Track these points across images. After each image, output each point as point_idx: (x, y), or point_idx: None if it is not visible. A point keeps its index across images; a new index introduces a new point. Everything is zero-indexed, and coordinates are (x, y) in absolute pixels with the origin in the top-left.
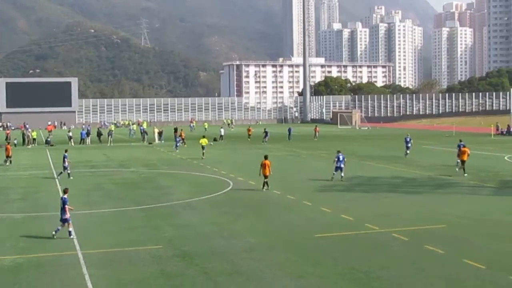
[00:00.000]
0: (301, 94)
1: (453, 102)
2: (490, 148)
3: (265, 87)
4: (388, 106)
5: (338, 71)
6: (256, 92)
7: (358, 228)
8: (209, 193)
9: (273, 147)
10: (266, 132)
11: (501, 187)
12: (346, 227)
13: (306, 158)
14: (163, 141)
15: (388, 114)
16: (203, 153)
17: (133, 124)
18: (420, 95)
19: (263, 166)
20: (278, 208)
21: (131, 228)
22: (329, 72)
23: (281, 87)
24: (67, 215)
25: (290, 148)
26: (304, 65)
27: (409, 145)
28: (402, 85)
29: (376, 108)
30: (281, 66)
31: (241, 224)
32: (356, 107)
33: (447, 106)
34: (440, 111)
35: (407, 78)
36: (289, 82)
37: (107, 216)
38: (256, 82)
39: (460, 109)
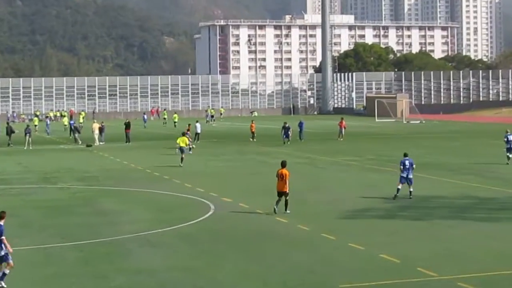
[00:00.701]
0: (318, 70)
1: None
2: None
3: (263, 59)
4: (452, 88)
5: (375, 36)
6: (250, 68)
7: (406, 274)
8: (179, 222)
9: (277, 150)
10: (287, 128)
11: None
12: (388, 272)
13: (327, 168)
14: (103, 142)
15: (452, 101)
16: (181, 159)
17: (63, 116)
18: (500, 71)
19: (279, 177)
20: (284, 245)
21: (60, 276)
22: (361, 37)
23: (289, 59)
24: (4, 251)
25: (302, 152)
26: (323, 26)
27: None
28: (472, 57)
29: (433, 92)
30: (288, 28)
31: (228, 269)
32: (403, 90)
33: None
34: None
35: (479, 46)
36: (300, 52)
37: (24, 256)
38: (250, 52)
39: None
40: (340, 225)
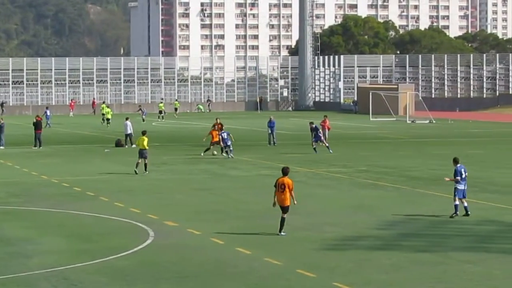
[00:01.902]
0: (295, 52)
1: None
2: None
3: (221, 37)
4: (472, 77)
5: (371, 6)
6: (203, 48)
7: None
8: (107, 253)
9: (238, 159)
10: (315, 129)
11: None
12: None
13: (305, 183)
14: (2, 146)
15: (472, 94)
16: (145, 165)
17: None
18: None
19: (279, 187)
20: (246, 285)
21: None
22: (353, 7)
23: (255, 37)
24: None
25: (273, 161)
26: None
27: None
28: (500, 36)
29: (446, 82)
30: None
31: None
32: (407, 80)
33: None
34: None
35: (509, 21)
36: (271, 27)
37: None
38: (203, 27)
39: None
40: (322, 258)
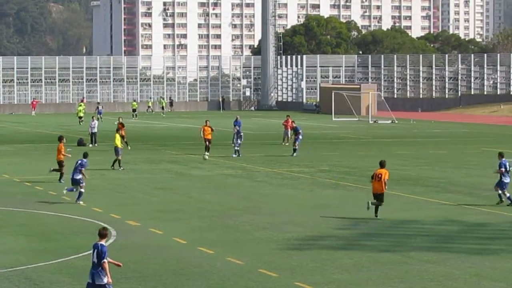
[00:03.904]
0: (257, 52)
1: None
2: None
3: (184, 36)
4: (434, 77)
5: (333, 7)
6: (166, 47)
7: None
8: (69, 253)
9: (200, 158)
10: (296, 130)
11: None
12: None
13: (267, 182)
14: None
15: (434, 94)
16: (119, 164)
17: None
18: (498, 55)
19: (376, 177)
20: (208, 285)
21: None
22: (315, 7)
23: (218, 37)
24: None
25: (235, 161)
26: None
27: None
28: (462, 36)
29: (409, 82)
30: None
31: None
32: (370, 80)
33: None
34: None
35: (471, 22)
36: (234, 27)
37: None
38: (166, 26)
39: None
40: (284, 258)
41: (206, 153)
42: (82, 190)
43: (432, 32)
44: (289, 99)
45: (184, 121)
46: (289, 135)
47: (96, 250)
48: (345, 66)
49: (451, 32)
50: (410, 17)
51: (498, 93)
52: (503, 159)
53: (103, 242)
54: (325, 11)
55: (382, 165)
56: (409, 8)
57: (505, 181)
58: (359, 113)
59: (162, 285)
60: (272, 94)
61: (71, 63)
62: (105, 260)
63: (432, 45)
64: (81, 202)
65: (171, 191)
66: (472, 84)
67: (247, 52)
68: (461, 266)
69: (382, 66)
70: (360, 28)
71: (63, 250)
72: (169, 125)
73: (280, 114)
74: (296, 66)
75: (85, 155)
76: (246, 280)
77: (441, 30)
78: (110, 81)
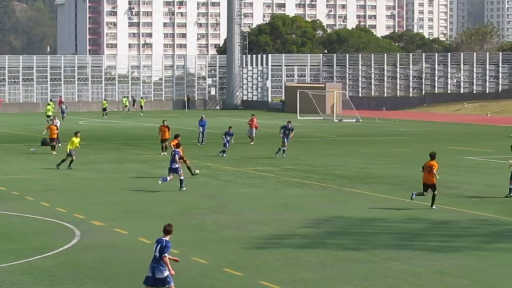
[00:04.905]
0: (223, 51)
1: None
2: None
3: (149, 35)
4: (398, 76)
5: (299, 6)
6: (131, 47)
7: None
8: (32, 253)
9: (167, 157)
10: (286, 129)
11: None
12: None
13: (232, 182)
14: None
15: (399, 93)
16: (69, 163)
17: None
18: (461, 55)
19: (426, 169)
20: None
21: None
22: (281, 7)
23: (183, 36)
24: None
25: (200, 160)
26: None
27: None
28: (426, 36)
29: (373, 81)
30: None
31: None
32: (335, 79)
33: None
34: (501, 87)
35: (435, 21)
36: (199, 26)
37: None
38: (131, 25)
39: None
40: (249, 257)
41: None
42: (182, 177)
43: (396, 31)
44: (255, 98)
45: (150, 121)
46: (254, 134)
47: (160, 245)
48: (310, 65)
49: (415, 31)
50: (375, 17)
51: (462, 91)
52: None
53: (167, 238)
54: (291, 10)
55: (432, 157)
56: (374, 7)
57: None
58: (324, 112)
59: (126, 285)
60: (237, 93)
61: (35, 62)
62: (166, 254)
63: (396, 44)
64: (184, 188)
65: (136, 190)
66: (436, 83)
67: (212, 51)
68: (425, 263)
69: (347, 65)
70: (325, 27)
71: (26, 250)
72: (134, 125)
73: (246, 113)
74: (262, 65)
75: (178, 145)
76: (211, 280)
77: (406, 30)
78: (74, 80)
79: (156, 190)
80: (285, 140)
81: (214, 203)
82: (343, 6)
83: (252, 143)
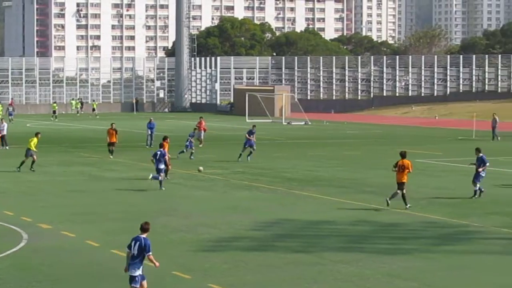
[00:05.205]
0: (171, 53)
1: (473, 71)
2: None
3: (97, 37)
4: (347, 79)
5: (248, 8)
6: (79, 49)
7: None
8: None
9: (115, 160)
10: (251, 133)
11: None
12: None
13: (181, 184)
14: None
15: (347, 95)
16: (31, 165)
17: None
18: (410, 58)
19: (399, 168)
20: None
21: None
22: (229, 9)
23: (131, 38)
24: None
25: (148, 163)
26: None
27: (483, 173)
28: (374, 38)
29: (322, 84)
30: None
31: None
32: (283, 81)
33: (461, 80)
34: (449, 90)
35: (383, 24)
36: (148, 28)
37: None
38: (79, 27)
39: (488, 86)
40: (198, 260)
41: (200, 167)
42: (161, 178)
43: (345, 34)
44: (203, 101)
45: (99, 123)
46: (202, 137)
47: (138, 243)
48: (259, 68)
49: (364, 34)
50: (323, 19)
51: (410, 94)
52: (481, 154)
53: (145, 235)
54: (239, 13)
55: (403, 156)
56: (322, 10)
57: (482, 175)
58: (273, 115)
59: (75, 287)
60: (186, 96)
61: None
62: (150, 253)
63: (345, 47)
64: (163, 188)
65: (84, 193)
66: (385, 85)
67: (161, 53)
68: (373, 266)
69: (296, 68)
70: (274, 30)
71: None
72: (82, 127)
73: (194, 116)
74: (210, 67)
75: (161, 145)
76: (159, 282)
77: (354, 32)
78: (22, 82)
79: (104, 192)
80: (249, 143)
81: (164, 206)
82: (292, 9)
83: (201, 145)
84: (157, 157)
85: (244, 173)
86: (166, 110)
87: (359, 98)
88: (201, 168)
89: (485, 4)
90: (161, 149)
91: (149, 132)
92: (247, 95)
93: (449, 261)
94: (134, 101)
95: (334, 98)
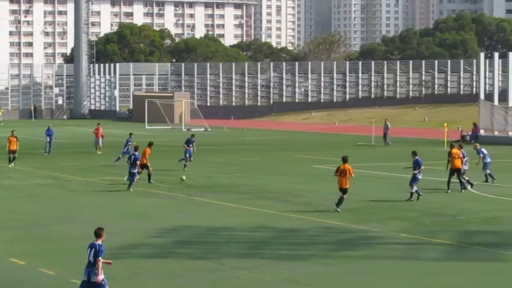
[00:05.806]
0: (70, 60)
1: (372, 77)
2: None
3: None
4: (246, 85)
5: (147, 14)
6: None
7: None
8: None
9: (13, 168)
10: (190, 142)
11: (459, 244)
12: None
13: (80, 192)
14: None
15: (247, 102)
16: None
17: None
18: (309, 64)
19: (341, 172)
20: None
21: None
22: (129, 15)
23: (29, 44)
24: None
25: (46, 170)
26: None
27: (419, 175)
28: (274, 45)
29: (221, 90)
30: (30, 1)
31: None
32: (183, 88)
33: (360, 86)
34: (348, 96)
35: (283, 31)
36: (46, 34)
37: None
38: None
39: (387, 92)
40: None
41: (183, 176)
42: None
43: (245, 40)
44: (102, 107)
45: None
46: (100, 144)
47: (93, 249)
48: (158, 74)
49: (263, 40)
50: (223, 26)
51: (310, 100)
52: (417, 157)
53: (99, 241)
54: (139, 19)
55: (345, 160)
56: (222, 16)
57: (419, 177)
58: (173, 121)
59: None
60: (85, 103)
61: None
62: (100, 258)
63: (245, 53)
64: (131, 190)
65: None
66: (284, 91)
67: (59, 60)
68: (273, 271)
69: (196, 74)
70: (173, 36)
71: None
72: None
73: (93, 123)
74: (109, 74)
75: (136, 149)
76: None
77: (254, 39)
78: None
79: (2, 200)
80: (189, 153)
81: (62, 214)
82: (191, 15)
83: (99, 152)
84: (131, 161)
85: (142, 180)
86: (65, 117)
87: (259, 104)
88: (183, 177)
89: (384, 11)
90: (135, 153)
91: (48, 139)
92: (146, 101)
93: (349, 266)
94: (32, 108)
95: (233, 104)
